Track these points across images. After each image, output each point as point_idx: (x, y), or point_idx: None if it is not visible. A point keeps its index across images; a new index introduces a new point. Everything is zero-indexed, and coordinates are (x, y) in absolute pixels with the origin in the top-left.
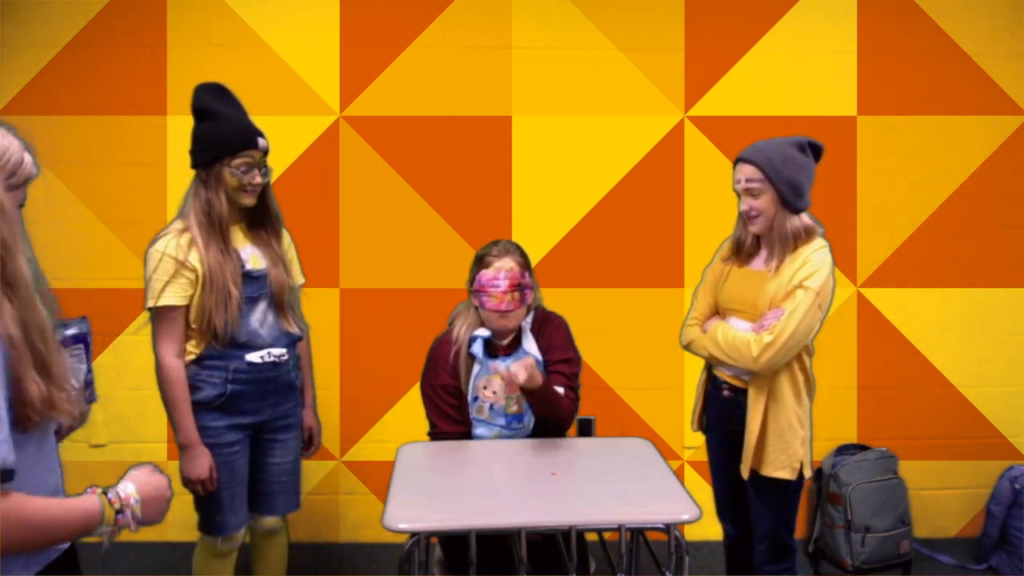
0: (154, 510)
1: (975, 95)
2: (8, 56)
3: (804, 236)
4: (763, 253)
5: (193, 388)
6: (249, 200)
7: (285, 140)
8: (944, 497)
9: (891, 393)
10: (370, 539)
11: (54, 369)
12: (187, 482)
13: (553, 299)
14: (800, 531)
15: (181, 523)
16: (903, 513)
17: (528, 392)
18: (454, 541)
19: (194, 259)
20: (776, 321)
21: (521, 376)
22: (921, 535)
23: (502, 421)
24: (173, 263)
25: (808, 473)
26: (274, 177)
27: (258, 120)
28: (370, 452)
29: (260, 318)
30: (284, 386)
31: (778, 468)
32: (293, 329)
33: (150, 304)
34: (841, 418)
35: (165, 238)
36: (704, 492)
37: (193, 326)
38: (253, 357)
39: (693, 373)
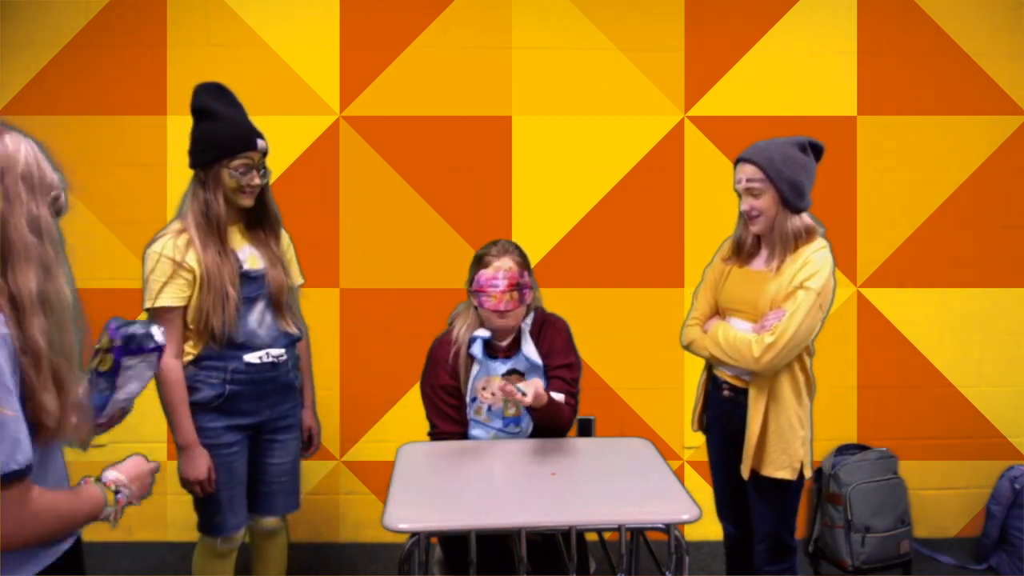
0: (141, 485)
1: (975, 95)
2: (8, 56)
3: (805, 236)
4: (764, 253)
5: (191, 389)
6: (247, 201)
7: (285, 140)
8: (944, 497)
9: (891, 393)
10: (370, 539)
11: (70, 395)
12: (186, 483)
13: (553, 299)
14: (800, 531)
15: (181, 523)
16: (903, 513)
17: (531, 407)
18: (454, 541)
19: (192, 260)
20: (777, 322)
21: (529, 397)
22: (921, 535)
23: (499, 423)
24: (171, 264)
25: (808, 473)
26: (274, 177)
27: (258, 120)
28: (370, 452)
29: (258, 318)
30: (283, 386)
31: (778, 468)
32: (291, 329)
33: (148, 305)
34: (841, 418)
35: (163, 239)
36: (704, 492)
37: (191, 327)
38: (251, 358)
39: (693, 373)
